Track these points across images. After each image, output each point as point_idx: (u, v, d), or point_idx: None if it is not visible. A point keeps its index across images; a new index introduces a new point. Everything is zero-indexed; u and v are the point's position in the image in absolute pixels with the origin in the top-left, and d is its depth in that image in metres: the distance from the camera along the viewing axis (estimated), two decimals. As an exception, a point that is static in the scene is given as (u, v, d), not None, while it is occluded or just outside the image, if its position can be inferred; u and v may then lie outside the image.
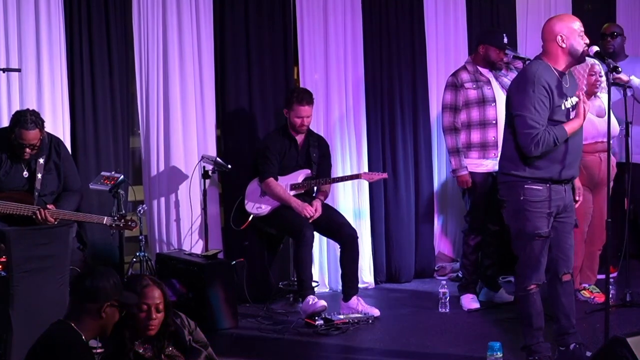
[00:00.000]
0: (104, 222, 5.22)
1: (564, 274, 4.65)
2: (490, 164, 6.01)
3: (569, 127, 4.42)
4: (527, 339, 4.66)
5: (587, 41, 4.46)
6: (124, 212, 5.36)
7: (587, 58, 4.71)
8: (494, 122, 6.00)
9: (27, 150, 5.08)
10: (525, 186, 4.48)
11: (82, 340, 3.27)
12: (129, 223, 5.27)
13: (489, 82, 6.07)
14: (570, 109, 4.49)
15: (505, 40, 6.09)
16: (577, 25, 4.46)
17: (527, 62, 5.86)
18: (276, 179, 6.02)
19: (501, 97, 5.98)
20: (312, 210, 5.93)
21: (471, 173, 6.05)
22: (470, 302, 6.09)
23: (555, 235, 4.58)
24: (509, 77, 6.07)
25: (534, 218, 4.49)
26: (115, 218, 5.22)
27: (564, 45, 4.44)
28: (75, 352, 3.23)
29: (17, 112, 5.17)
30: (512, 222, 4.62)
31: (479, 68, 6.11)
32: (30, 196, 5.15)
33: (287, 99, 6.09)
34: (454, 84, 6.08)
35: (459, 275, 6.73)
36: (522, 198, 4.50)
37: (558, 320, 4.70)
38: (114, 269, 5.74)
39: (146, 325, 3.53)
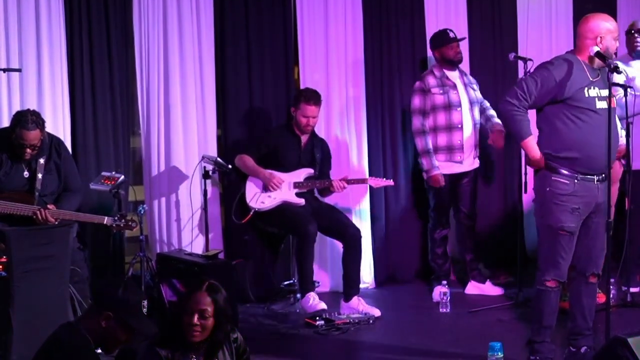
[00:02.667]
0: (105, 222, 5.21)
1: (591, 275, 4.65)
2: (454, 166, 6.25)
3: (528, 142, 4.49)
4: (533, 335, 4.68)
5: (618, 44, 4.53)
6: (124, 212, 5.36)
7: None
8: (460, 126, 6.22)
9: (28, 150, 5.07)
10: (553, 178, 4.50)
11: (88, 344, 3.23)
12: (129, 223, 5.27)
13: (455, 87, 6.25)
14: (597, 98, 4.48)
15: (452, 34, 6.28)
16: (614, 26, 4.54)
17: (527, 62, 5.91)
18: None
19: (467, 101, 6.26)
20: (280, 181, 5.96)
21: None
22: (438, 295, 6.19)
23: (587, 235, 4.58)
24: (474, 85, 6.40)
25: (559, 211, 4.48)
26: (116, 218, 5.22)
27: (600, 47, 4.49)
28: (79, 356, 3.20)
29: (18, 113, 5.16)
30: (538, 214, 4.64)
31: (446, 72, 6.28)
32: (31, 196, 5.14)
33: (296, 97, 6.11)
34: (421, 89, 6.28)
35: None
36: (548, 189, 4.52)
37: (574, 318, 4.72)
38: (114, 269, 5.81)
39: (188, 330, 3.42)
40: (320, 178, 6.16)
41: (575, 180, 4.47)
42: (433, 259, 6.48)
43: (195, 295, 3.46)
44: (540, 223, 4.65)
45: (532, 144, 4.50)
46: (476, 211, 6.49)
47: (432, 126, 6.23)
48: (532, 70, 4.74)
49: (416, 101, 6.28)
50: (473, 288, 6.41)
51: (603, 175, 4.54)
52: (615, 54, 4.62)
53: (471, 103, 6.28)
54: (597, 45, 4.48)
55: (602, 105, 4.49)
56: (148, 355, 3.41)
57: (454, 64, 6.28)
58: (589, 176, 4.49)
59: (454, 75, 6.30)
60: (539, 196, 4.63)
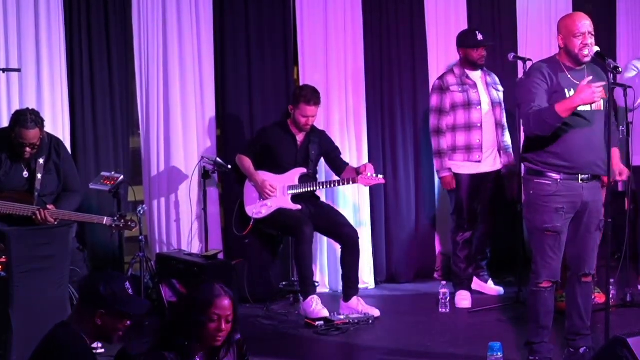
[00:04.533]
0: (104, 223, 5.21)
1: (584, 275, 4.65)
2: (474, 166, 6.17)
3: (559, 105, 4.29)
4: (531, 336, 4.68)
5: (587, 42, 4.40)
6: (124, 212, 5.36)
7: None
8: (479, 125, 6.14)
9: (28, 149, 5.07)
10: (535, 181, 4.53)
11: (84, 343, 3.23)
12: (129, 223, 5.26)
13: (475, 86, 6.19)
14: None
15: (480, 37, 6.19)
16: (578, 25, 4.43)
17: (526, 62, 5.90)
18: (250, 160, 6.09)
19: (487, 101, 6.18)
20: (273, 190, 5.96)
21: (455, 174, 6.19)
22: (461, 300, 6.16)
23: (575, 234, 4.58)
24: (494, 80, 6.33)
25: (543, 212, 4.50)
26: (115, 218, 5.22)
27: (562, 45, 4.48)
28: (76, 356, 3.20)
29: (17, 112, 5.16)
30: (526, 217, 4.69)
31: (467, 71, 6.21)
32: (30, 196, 5.14)
33: (295, 95, 6.05)
34: (440, 87, 6.21)
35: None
36: (531, 192, 4.56)
37: (571, 318, 4.72)
38: (114, 269, 5.80)
39: (214, 337, 3.37)
40: (335, 172, 6.19)
41: (558, 181, 4.48)
42: (455, 262, 6.33)
43: (219, 301, 3.39)
44: (528, 225, 4.70)
45: (561, 105, 4.27)
46: (495, 214, 6.43)
47: (452, 125, 6.15)
48: (518, 93, 4.65)
49: (433, 100, 6.22)
50: (475, 285, 6.38)
51: (589, 175, 4.50)
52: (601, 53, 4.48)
53: (493, 103, 6.18)
54: (560, 43, 4.48)
55: (584, 107, 4.41)
56: (155, 357, 3.39)
57: (476, 67, 6.21)
58: (572, 176, 4.49)
59: (475, 74, 6.21)
60: (525, 199, 4.67)
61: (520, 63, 6.09)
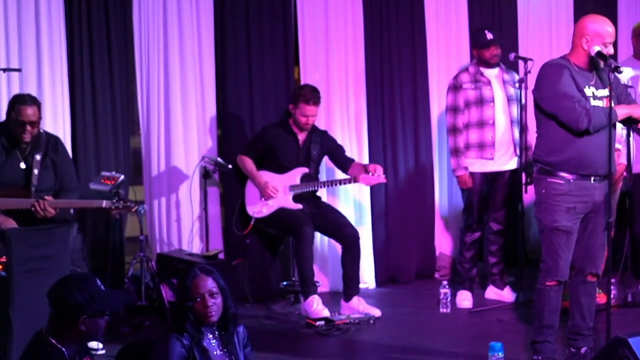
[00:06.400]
0: (103, 206, 5.13)
1: (589, 274, 4.66)
2: (487, 164, 6.09)
3: (620, 110, 4.41)
4: (535, 334, 4.68)
5: (611, 52, 4.41)
6: (122, 194, 5.27)
7: None
8: (492, 122, 6.07)
9: (28, 128, 4.98)
10: (548, 180, 4.53)
11: (62, 356, 3.22)
12: (128, 204, 5.18)
13: (489, 83, 6.11)
14: (592, 98, 4.44)
15: (490, 36, 6.10)
16: (606, 31, 4.42)
17: (527, 62, 5.89)
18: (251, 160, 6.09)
19: (501, 98, 6.08)
20: (275, 191, 5.96)
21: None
22: (462, 300, 6.14)
23: (584, 234, 4.59)
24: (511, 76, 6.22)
25: (553, 211, 4.51)
26: (114, 200, 5.15)
27: (586, 47, 4.45)
28: None
29: (15, 95, 5.16)
30: (537, 216, 4.68)
31: (482, 69, 6.15)
32: (28, 192, 5.12)
33: (295, 95, 6.04)
34: (454, 86, 6.17)
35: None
36: (543, 191, 4.57)
37: (574, 318, 4.72)
38: (114, 269, 5.80)
39: (204, 313, 3.60)
40: (341, 168, 6.17)
41: (571, 181, 4.48)
42: (460, 262, 6.30)
43: (197, 280, 3.63)
44: (538, 224, 4.69)
45: (621, 110, 4.43)
46: (507, 216, 6.27)
47: (466, 122, 6.09)
48: (540, 84, 4.57)
49: (448, 98, 6.18)
50: (492, 293, 6.28)
51: (599, 175, 4.51)
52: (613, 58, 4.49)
53: (508, 100, 6.09)
54: (584, 44, 4.44)
55: (597, 104, 4.44)
56: (170, 344, 3.52)
57: (490, 65, 6.13)
58: (584, 176, 4.48)
59: (490, 72, 6.13)
60: (536, 198, 4.68)
61: (521, 63, 6.07)
